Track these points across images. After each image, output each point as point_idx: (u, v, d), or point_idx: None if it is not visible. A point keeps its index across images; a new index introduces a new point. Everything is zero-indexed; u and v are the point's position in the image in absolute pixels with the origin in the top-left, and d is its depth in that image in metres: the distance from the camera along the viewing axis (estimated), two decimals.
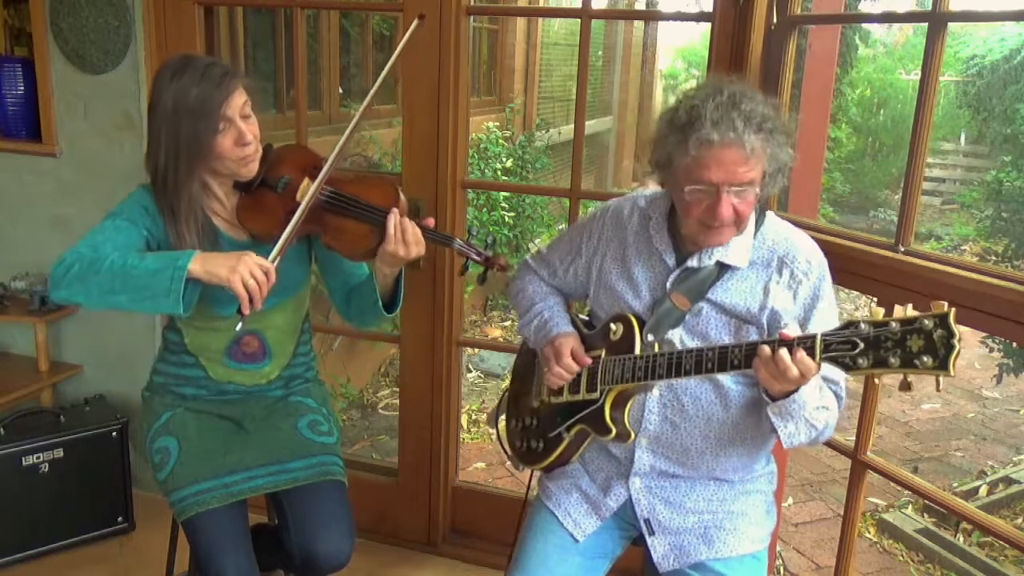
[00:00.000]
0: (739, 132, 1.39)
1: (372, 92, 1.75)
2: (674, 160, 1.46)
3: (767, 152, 1.42)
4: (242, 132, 1.61)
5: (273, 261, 1.55)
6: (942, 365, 1.15)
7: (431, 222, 1.68)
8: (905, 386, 1.21)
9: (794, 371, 1.32)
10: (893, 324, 1.19)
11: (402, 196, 1.69)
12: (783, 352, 1.31)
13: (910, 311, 1.19)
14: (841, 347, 1.24)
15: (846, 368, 1.23)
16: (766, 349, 1.33)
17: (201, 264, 1.50)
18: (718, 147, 1.39)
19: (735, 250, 1.53)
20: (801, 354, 1.31)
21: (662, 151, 1.49)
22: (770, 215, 1.60)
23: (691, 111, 1.42)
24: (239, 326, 1.57)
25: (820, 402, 1.45)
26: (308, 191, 1.65)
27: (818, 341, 1.26)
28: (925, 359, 1.16)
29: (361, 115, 1.75)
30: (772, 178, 1.47)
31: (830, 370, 1.49)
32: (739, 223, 1.47)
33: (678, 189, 1.48)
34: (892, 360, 1.19)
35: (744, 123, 1.39)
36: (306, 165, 1.72)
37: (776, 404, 1.42)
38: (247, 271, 1.50)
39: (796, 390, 1.38)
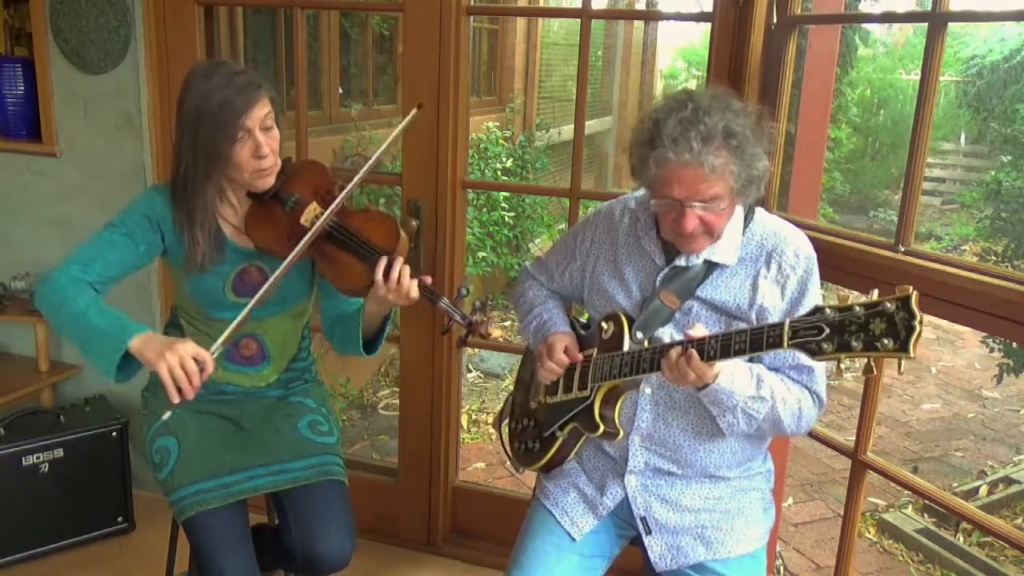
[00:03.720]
0: (695, 152, 1.39)
1: (372, 161, 1.73)
2: (641, 173, 1.49)
3: (731, 169, 1.42)
4: (259, 144, 1.61)
5: (215, 352, 1.54)
6: (903, 347, 1.15)
7: (428, 280, 1.66)
8: (868, 369, 1.22)
9: (690, 375, 1.39)
10: (857, 308, 1.20)
11: (403, 236, 1.67)
12: (681, 360, 1.38)
13: (874, 295, 1.19)
14: (807, 333, 1.24)
15: (812, 353, 1.24)
16: (672, 356, 1.39)
17: (141, 343, 1.51)
18: (676, 166, 1.41)
19: (723, 248, 1.55)
20: (696, 360, 1.36)
21: (633, 160, 1.51)
22: (760, 211, 1.62)
23: (654, 126, 1.44)
24: (167, 415, 1.59)
25: (756, 392, 1.47)
26: (314, 217, 1.65)
27: (785, 328, 1.27)
28: (886, 341, 1.16)
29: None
30: (743, 190, 1.47)
31: (799, 363, 1.52)
32: (711, 232, 1.49)
33: (650, 198, 1.51)
34: (855, 344, 1.19)
35: (702, 142, 1.39)
36: (319, 187, 1.72)
37: (702, 394, 1.47)
38: (176, 360, 1.47)
39: (713, 381, 1.43)
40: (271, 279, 1.62)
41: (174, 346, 1.49)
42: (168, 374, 1.47)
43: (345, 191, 1.67)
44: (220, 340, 1.57)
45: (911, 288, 1.16)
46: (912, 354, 1.15)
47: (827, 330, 1.22)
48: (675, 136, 1.40)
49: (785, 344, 1.26)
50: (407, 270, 1.62)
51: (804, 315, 1.26)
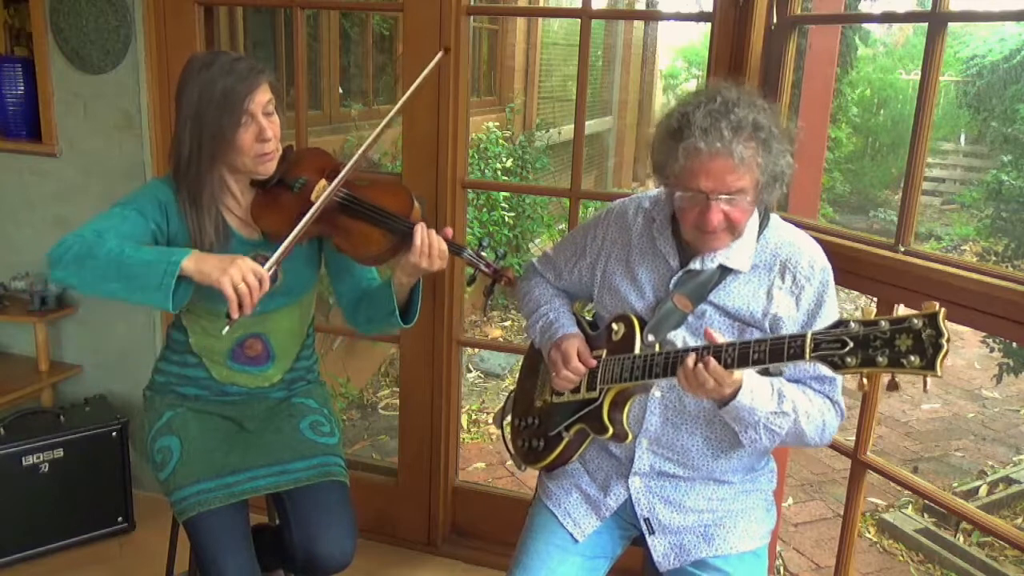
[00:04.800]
0: (727, 142, 1.39)
1: (392, 113, 1.75)
2: (667, 166, 1.47)
3: (758, 162, 1.42)
4: (263, 128, 1.62)
5: (269, 269, 1.54)
6: (929, 365, 1.15)
7: (449, 232, 1.68)
8: (893, 386, 1.22)
9: (709, 382, 1.37)
10: (883, 323, 1.19)
11: (416, 203, 1.69)
12: (700, 367, 1.36)
13: (901, 311, 1.19)
14: (831, 346, 1.23)
15: (835, 367, 1.23)
16: (689, 364, 1.38)
17: (195, 263, 1.49)
18: (706, 156, 1.40)
19: (737, 254, 1.54)
20: (714, 365, 1.35)
21: (658, 155, 1.50)
22: (775, 218, 1.60)
23: (682, 118, 1.44)
24: (225, 330, 1.54)
25: (778, 408, 1.46)
26: (323, 191, 1.66)
27: (808, 340, 1.26)
28: (913, 359, 1.16)
29: (385, 125, 1.74)
30: (767, 186, 1.46)
31: (820, 373, 1.52)
32: (733, 229, 1.48)
33: (672, 194, 1.50)
34: (880, 359, 1.19)
35: (733, 132, 1.39)
36: (324, 168, 1.73)
37: (723, 411, 1.46)
38: (239, 275, 1.48)
39: (733, 397, 1.41)
40: (295, 231, 1.59)
41: (235, 261, 1.49)
42: (232, 289, 1.47)
43: (359, 152, 1.67)
44: (274, 257, 1.56)
45: (937, 305, 1.16)
46: (939, 372, 1.15)
47: (851, 344, 1.21)
48: (705, 126, 1.39)
49: (807, 356, 1.25)
50: (435, 234, 1.63)
51: (827, 327, 1.25)
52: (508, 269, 1.70)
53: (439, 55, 1.79)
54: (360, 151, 1.69)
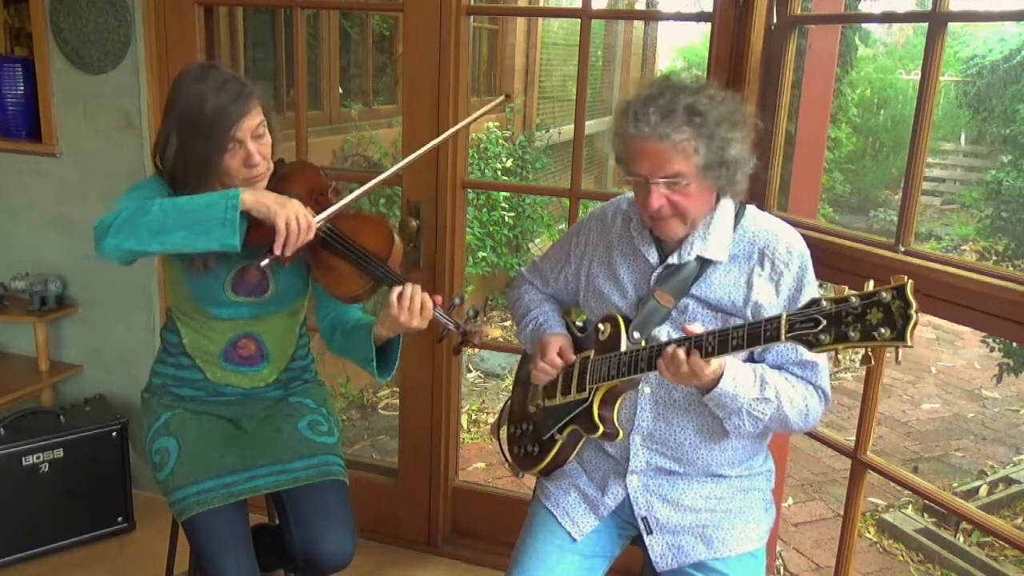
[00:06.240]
0: (653, 126, 1.43)
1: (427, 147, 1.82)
2: (615, 150, 1.54)
3: (692, 146, 1.45)
4: (251, 154, 1.61)
5: (317, 223, 1.58)
6: (899, 336, 1.16)
7: (439, 300, 1.66)
8: (866, 359, 1.22)
9: (684, 369, 1.39)
10: (853, 299, 1.20)
11: (397, 242, 1.66)
12: (679, 352, 1.38)
13: (870, 286, 1.19)
14: (804, 325, 1.24)
15: (810, 346, 1.24)
16: (668, 351, 1.40)
17: (252, 195, 1.53)
18: (637, 140, 1.46)
19: (714, 244, 1.55)
20: (695, 356, 1.37)
21: (614, 147, 1.56)
22: (751, 208, 1.62)
23: (627, 107, 1.49)
24: (265, 262, 1.58)
25: (760, 394, 1.47)
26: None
27: (783, 321, 1.27)
28: (883, 331, 1.16)
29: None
30: (714, 170, 1.48)
31: (802, 359, 1.53)
32: (681, 216, 1.51)
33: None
34: (852, 334, 1.19)
35: (661, 117, 1.43)
36: (312, 189, 1.72)
37: (706, 398, 1.47)
38: (292, 213, 1.53)
39: (716, 385, 1.43)
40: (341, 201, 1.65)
41: (290, 200, 1.55)
42: (285, 225, 1.51)
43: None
44: (324, 214, 1.61)
45: (906, 277, 1.16)
46: (910, 343, 1.16)
47: (824, 322, 1.22)
48: (636, 110, 1.45)
49: (783, 337, 1.26)
50: (421, 292, 1.61)
51: (801, 308, 1.26)
52: (476, 333, 1.70)
53: (500, 99, 1.96)
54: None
